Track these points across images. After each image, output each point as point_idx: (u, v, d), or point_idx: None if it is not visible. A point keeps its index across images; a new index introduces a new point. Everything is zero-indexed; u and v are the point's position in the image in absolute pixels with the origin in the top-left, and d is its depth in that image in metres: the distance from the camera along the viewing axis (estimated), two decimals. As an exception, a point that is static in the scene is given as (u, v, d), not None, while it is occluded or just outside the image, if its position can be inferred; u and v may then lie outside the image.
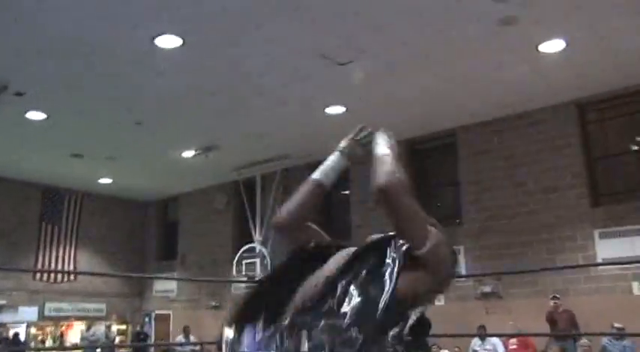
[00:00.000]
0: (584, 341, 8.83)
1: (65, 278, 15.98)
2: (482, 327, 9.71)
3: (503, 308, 10.40)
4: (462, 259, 11.09)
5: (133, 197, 17.52)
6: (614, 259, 9.20)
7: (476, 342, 9.95)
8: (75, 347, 14.08)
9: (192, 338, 12.51)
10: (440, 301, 11.35)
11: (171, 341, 14.97)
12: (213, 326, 13.63)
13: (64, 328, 15.97)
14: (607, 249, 9.83)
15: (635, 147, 10.49)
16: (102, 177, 15.18)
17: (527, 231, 10.57)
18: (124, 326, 16.87)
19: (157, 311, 16.83)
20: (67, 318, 15.97)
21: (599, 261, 9.86)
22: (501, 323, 9.77)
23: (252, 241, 13.80)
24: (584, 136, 10.58)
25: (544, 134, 10.70)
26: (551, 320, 9.38)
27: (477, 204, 11.38)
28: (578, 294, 9.88)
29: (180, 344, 13.33)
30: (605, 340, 8.95)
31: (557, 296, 9.67)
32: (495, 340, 9.81)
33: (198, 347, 12.61)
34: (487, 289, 10.78)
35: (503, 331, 9.76)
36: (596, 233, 9.99)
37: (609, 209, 10.09)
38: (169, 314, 16.64)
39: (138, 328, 16.42)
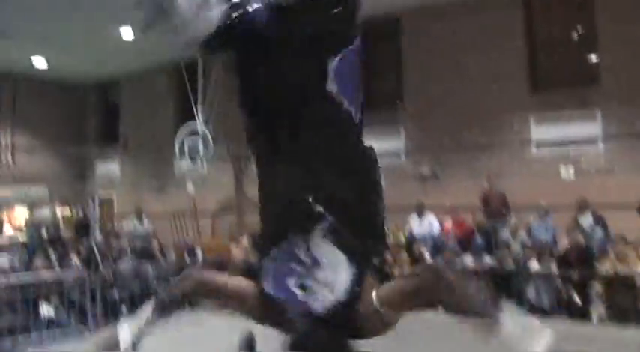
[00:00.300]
0: (512, 220, 9.39)
1: (3, 160, 15.63)
2: (420, 205, 10.18)
3: (440, 189, 10.83)
4: (402, 141, 11.47)
5: (71, 80, 16.85)
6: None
7: (414, 220, 10.41)
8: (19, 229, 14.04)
9: (145, 222, 12.39)
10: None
11: (116, 225, 15.02)
12: (158, 209, 13.79)
13: (5, 214, 15.78)
14: (542, 133, 10.26)
15: (577, 35, 10.62)
16: (36, 60, 14.48)
17: (467, 116, 10.82)
18: (67, 211, 16.76)
19: (100, 195, 16.76)
20: (8, 204, 15.76)
21: (534, 145, 10.29)
22: (439, 203, 10.21)
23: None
24: (528, 23, 10.64)
25: (488, 20, 10.68)
26: (485, 200, 9.86)
27: (420, 88, 11.50)
28: (511, 176, 10.36)
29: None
30: (531, 219, 9.54)
31: (491, 178, 10.14)
32: (432, 218, 10.27)
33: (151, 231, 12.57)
34: (425, 170, 11.17)
35: (441, 209, 10.24)
36: (532, 118, 10.33)
37: (547, 96, 10.37)
38: (113, 198, 16.64)
39: (80, 214, 16.11)
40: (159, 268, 9.12)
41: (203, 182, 14.23)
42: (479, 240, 8.40)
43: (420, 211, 10.21)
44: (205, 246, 10.61)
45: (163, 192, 14.82)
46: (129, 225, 12.71)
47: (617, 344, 3.79)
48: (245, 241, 7.76)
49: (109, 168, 16.95)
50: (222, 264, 5.21)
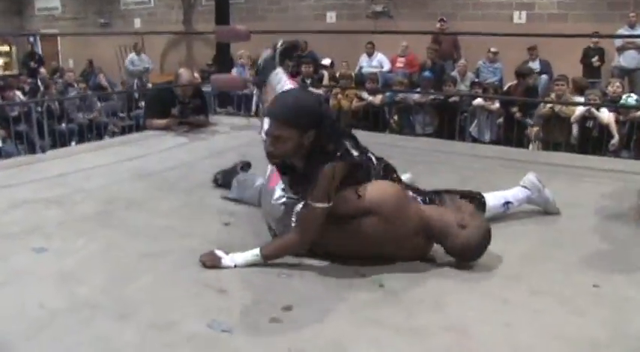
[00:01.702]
0: (461, 61, 9.49)
1: None
2: (370, 44, 10.16)
3: (392, 29, 10.73)
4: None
5: None
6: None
7: (364, 59, 10.43)
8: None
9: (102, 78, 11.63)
10: (332, 19, 11.57)
11: (62, 64, 14.45)
12: (103, 45, 13.30)
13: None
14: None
15: None
16: None
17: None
18: (6, 48, 16.00)
19: (42, 31, 15.96)
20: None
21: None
22: (391, 42, 10.16)
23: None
24: None
25: None
26: (437, 41, 9.86)
27: None
28: (464, 19, 10.31)
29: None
30: (479, 62, 9.66)
31: (444, 19, 10.07)
32: (382, 57, 10.30)
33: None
34: (378, 8, 10.97)
35: (392, 50, 10.23)
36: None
37: None
38: (56, 34, 15.90)
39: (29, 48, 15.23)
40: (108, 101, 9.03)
41: (151, 17, 13.71)
42: (427, 74, 8.50)
43: (370, 51, 10.23)
44: (154, 84, 10.45)
45: (109, 26, 14.23)
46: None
47: (550, 164, 4.18)
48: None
49: (50, 3, 15.99)
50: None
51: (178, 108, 5.13)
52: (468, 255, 2.46)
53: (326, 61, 10.15)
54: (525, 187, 3.01)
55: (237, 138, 5.20)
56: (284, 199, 2.60)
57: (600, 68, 9.23)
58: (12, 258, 2.54)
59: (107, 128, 8.14)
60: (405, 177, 3.11)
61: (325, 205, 2.30)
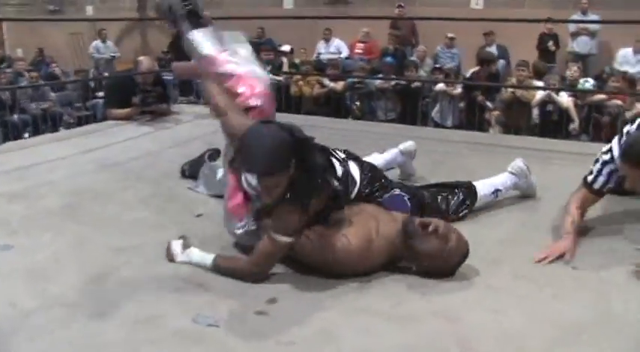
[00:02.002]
0: (420, 47, 9.53)
1: None
2: (327, 30, 10.12)
3: (351, 13, 10.67)
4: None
5: None
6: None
7: (321, 45, 10.37)
8: None
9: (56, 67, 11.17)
10: (289, 5, 11.48)
11: (8, 52, 13.94)
12: (54, 34, 12.86)
13: None
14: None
15: None
16: None
17: None
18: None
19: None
20: None
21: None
22: (349, 28, 10.11)
23: None
24: None
25: None
26: (395, 27, 9.86)
27: None
28: (422, 5, 10.34)
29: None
30: (437, 48, 9.73)
31: (402, 5, 10.08)
32: (340, 43, 10.26)
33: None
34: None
35: (350, 36, 10.20)
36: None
37: None
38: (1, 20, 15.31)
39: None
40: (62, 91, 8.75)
41: (103, 4, 13.34)
42: (389, 59, 8.48)
43: (327, 37, 10.21)
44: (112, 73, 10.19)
45: (59, 14, 13.76)
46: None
47: (516, 147, 4.24)
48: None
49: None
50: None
51: (140, 96, 4.97)
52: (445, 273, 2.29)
53: (285, 48, 10.05)
54: (513, 173, 3.02)
55: (202, 126, 5.07)
56: (246, 228, 2.43)
57: (555, 53, 9.40)
58: (-23, 255, 2.42)
59: (62, 119, 7.88)
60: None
61: (290, 240, 2.18)
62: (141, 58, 5.24)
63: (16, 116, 7.61)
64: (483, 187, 2.92)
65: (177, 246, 2.39)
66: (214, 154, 3.43)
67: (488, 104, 7.18)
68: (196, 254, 2.35)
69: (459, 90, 7.48)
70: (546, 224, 2.79)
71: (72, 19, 13.39)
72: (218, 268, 2.27)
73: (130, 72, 5.41)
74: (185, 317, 1.93)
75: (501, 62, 8.98)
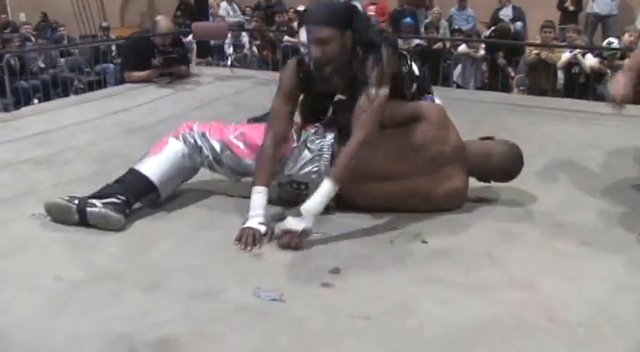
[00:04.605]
0: (435, 8, 9.27)
1: None
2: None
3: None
4: None
5: None
6: None
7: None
8: None
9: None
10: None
11: (11, 18, 13.62)
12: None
13: None
14: None
15: None
16: None
17: None
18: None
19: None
20: None
21: None
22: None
23: None
24: None
25: None
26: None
27: None
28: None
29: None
30: (452, 9, 9.47)
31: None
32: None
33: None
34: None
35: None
36: None
37: None
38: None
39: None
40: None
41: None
42: (409, 20, 8.23)
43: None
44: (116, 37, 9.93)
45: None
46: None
47: (549, 108, 4.19)
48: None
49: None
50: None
51: (160, 58, 4.77)
52: (507, 174, 2.47)
53: (300, 8, 9.81)
54: None
55: (224, 87, 4.92)
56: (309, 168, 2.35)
57: (577, 14, 9.12)
58: (11, 225, 2.26)
59: (73, 84, 7.66)
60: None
61: (387, 89, 2.18)
62: (158, 17, 5.03)
63: (25, 82, 7.41)
64: None
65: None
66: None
67: (510, 71, 6.96)
68: (306, 209, 2.05)
69: (482, 52, 7.24)
70: (603, 186, 2.69)
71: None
72: (340, 177, 2.08)
73: (147, 33, 5.19)
74: (244, 291, 1.78)
75: (518, 24, 8.72)
